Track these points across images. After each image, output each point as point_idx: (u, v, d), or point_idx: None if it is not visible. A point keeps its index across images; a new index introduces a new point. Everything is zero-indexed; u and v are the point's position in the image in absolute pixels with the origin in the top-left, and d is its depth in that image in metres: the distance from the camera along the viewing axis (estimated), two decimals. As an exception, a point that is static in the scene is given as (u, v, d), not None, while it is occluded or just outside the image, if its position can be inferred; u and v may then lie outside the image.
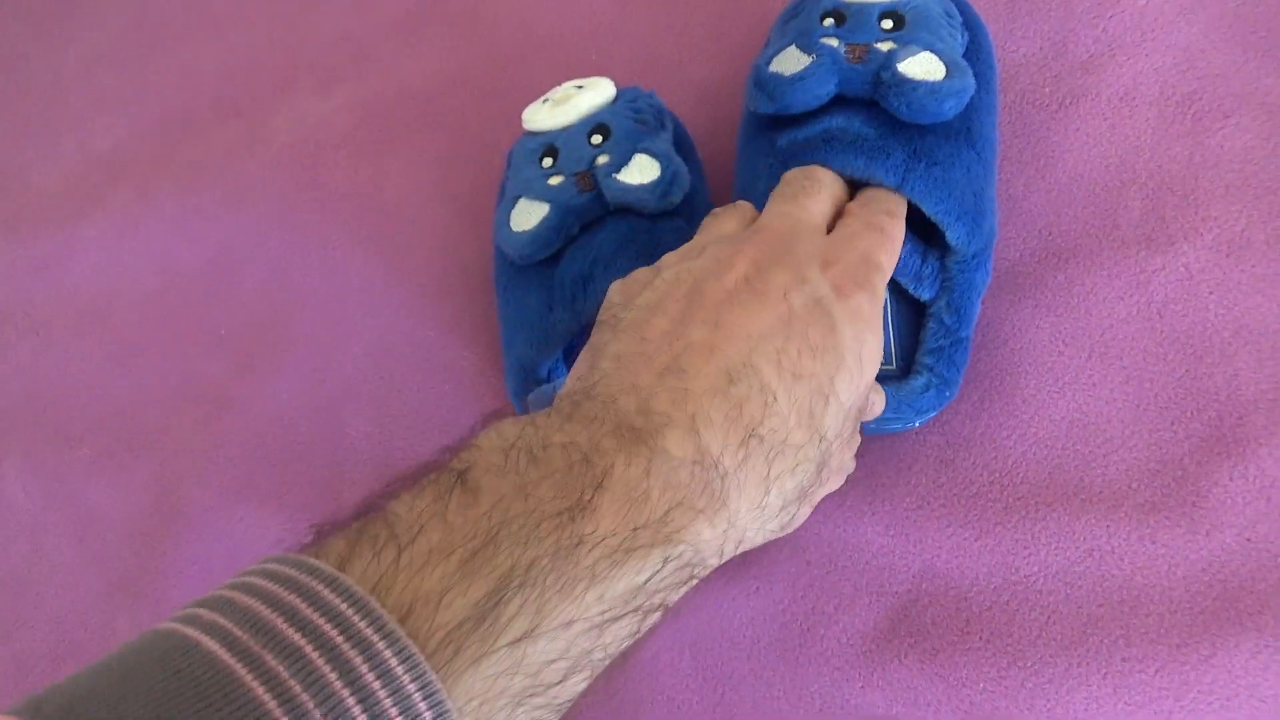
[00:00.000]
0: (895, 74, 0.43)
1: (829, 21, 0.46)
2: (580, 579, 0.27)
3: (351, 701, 0.23)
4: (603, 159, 0.47)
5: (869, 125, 0.44)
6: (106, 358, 0.63)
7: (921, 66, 0.43)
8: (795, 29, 0.47)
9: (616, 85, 0.52)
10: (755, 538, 0.34)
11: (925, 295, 0.46)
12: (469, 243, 0.57)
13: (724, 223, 0.42)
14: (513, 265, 0.50)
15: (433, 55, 0.63)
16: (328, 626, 0.24)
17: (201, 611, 0.24)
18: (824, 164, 0.43)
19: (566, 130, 0.49)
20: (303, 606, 0.24)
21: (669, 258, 0.39)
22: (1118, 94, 0.51)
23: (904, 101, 0.43)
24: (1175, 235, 0.48)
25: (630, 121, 0.49)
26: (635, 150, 0.47)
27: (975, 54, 0.48)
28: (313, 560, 0.25)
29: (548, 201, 0.47)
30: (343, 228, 0.60)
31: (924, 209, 0.44)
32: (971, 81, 0.44)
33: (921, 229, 0.45)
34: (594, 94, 0.50)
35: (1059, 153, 0.51)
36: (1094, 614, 0.44)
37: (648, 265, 0.39)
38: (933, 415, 0.47)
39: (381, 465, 0.55)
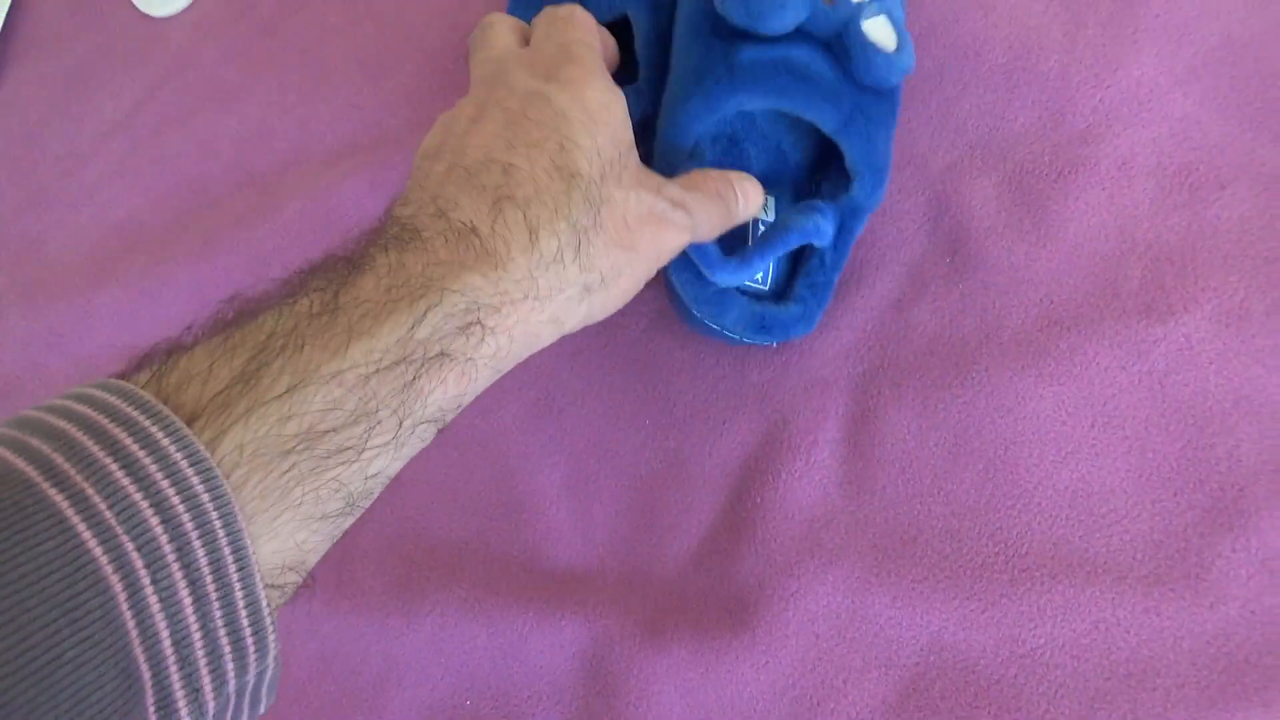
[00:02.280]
0: (859, 34, 0.46)
1: None
2: (339, 334, 0.30)
3: (117, 470, 0.25)
4: None
5: (828, 67, 0.47)
6: (123, 427, 0.63)
7: (878, 30, 0.47)
8: None
9: None
10: (562, 290, 0.36)
11: (822, 242, 0.48)
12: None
13: (491, 40, 0.44)
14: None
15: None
16: (97, 415, 0.26)
17: None
18: (779, 90, 0.46)
19: None
20: (74, 405, 0.27)
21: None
22: (1116, 164, 0.51)
23: (864, 64, 0.46)
24: (1175, 305, 0.48)
25: None
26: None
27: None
28: (107, 379, 0.29)
29: None
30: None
31: (850, 157, 0.48)
32: (914, 59, 0.48)
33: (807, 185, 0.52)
34: None
35: (1059, 222, 0.51)
36: (1101, 688, 0.44)
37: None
38: (796, 337, 0.51)
39: (400, 532, 0.56)
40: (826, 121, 0.47)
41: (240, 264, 0.64)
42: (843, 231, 0.49)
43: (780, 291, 0.52)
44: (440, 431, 0.34)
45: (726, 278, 0.47)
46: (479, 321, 0.33)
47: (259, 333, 0.30)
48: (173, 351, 0.29)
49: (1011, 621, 0.46)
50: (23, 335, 0.68)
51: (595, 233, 0.36)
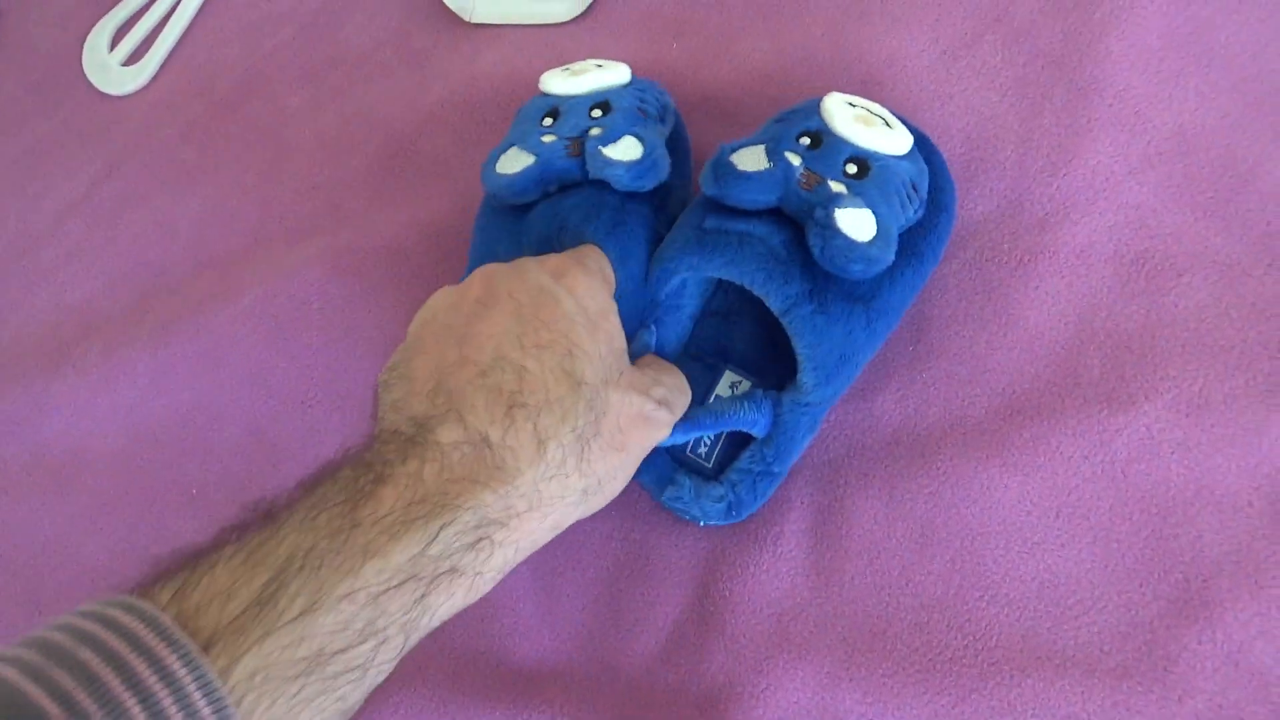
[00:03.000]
0: (829, 217, 0.45)
1: (804, 140, 0.48)
2: (355, 555, 0.30)
3: (132, 703, 0.25)
4: (596, 131, 0.50)
5: (786, 248, 0.46)
6: (77, 517, 0.62)
7: (855, 221, 0.45)
8: (772, 133, 0.49)
9: (633, 75, 0.56)
10: (564, 497, 0.37)
11: (759, 433, 0.48)
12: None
13: None
14: (493, 209, 0.53)
15: (404, 206, 0.64)
16: (116, 641, 0.27)
17: (6, 649, 0.27)
18: (733, 260, 0.46)
19: (573, 99, 0.53)
20: (99, 631, 0.27)
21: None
22: (1074, 252, 0.52)
23: (821, 244, 0.44)
24: (1135, 394, 0.49)
25: (633, 106, 0.52)
26: (627, 131, 0.50)
27: (927, 232, 0.49)
28: (120, 596, 0.29)
29: (535, 154, 0.50)
30: (320, 386, 0.61)
31: (795, 344, 0.46)
32: (889, 257, 0.45)
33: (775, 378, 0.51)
34: (609, 74, 0.54)
35: (1019, 310, 0.52)
36: (1072, 785, 0.44)
37: (611, 238, 0.47)
38: (716, 525, 0.51)
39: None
40: (772, 300, 0.46)
41: (200, 350, 0.63)
42: (783, 425, 0.48)
43: (719, 471, 0.52)
44: None
45: None
46: (488, 537, 0.34)
47: (279, 549, 0.30)
48: (198, 562, 0.30)
49: (983, 717, 0.46)
50: (-25, 422, 0.66)
51: (595, 439, 0.37)
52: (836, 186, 0.46)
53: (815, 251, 0.45)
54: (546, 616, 0.53)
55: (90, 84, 0.74)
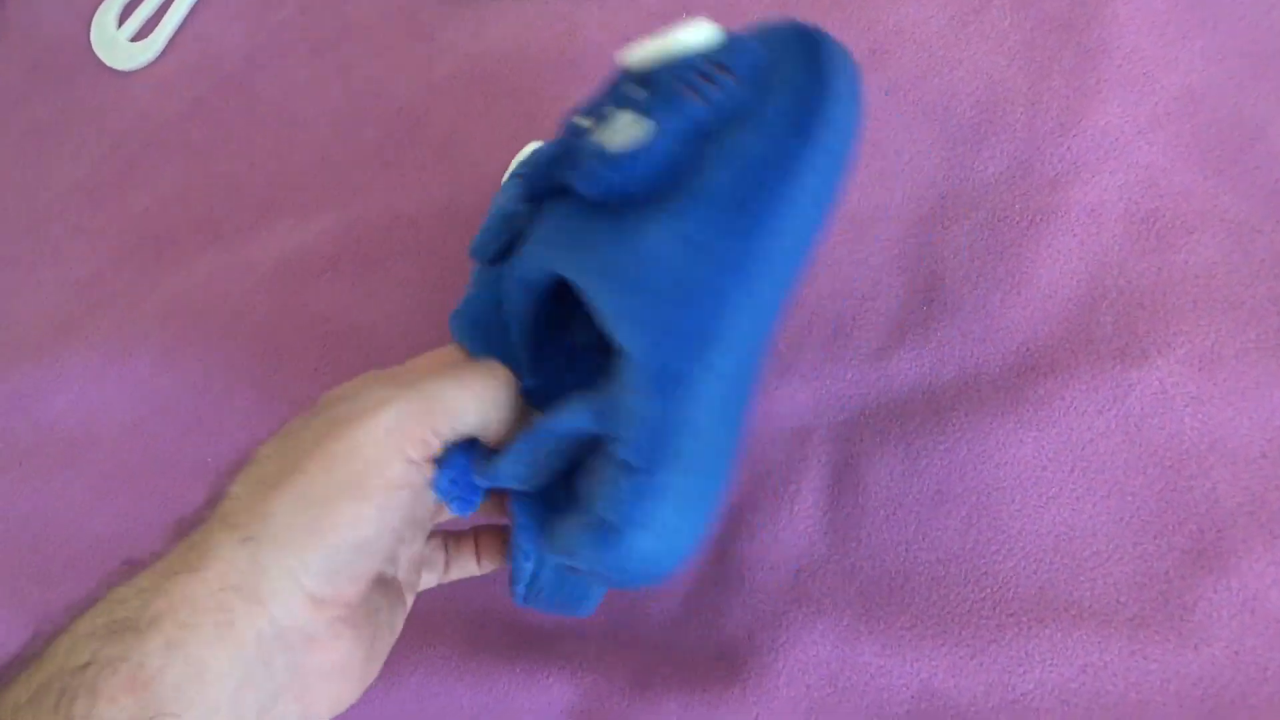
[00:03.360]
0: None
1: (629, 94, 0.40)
2: None
3: None
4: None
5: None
6: (89, 489, 0.62)
7: (617, 133, 0.38)
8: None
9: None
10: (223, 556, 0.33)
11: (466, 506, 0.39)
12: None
13: None
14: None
15: (414, 181, 0.64)
16: None
17: None
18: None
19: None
20: None
21: None
22: (1085, 211, 0.52)
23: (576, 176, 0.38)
24: (1149, 349, 0.49)
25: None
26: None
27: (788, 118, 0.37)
28: None
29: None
30: (329, 355, 0.61)
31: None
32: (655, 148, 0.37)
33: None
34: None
35: (1032, 268, 0.52)
36: (1092, 732, 0.44)
37: None
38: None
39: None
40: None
41: (210, 322, 0.63)
42: (633, 410, 0.35)
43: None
44: None
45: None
46: (122, 620, 0.30)
47: None
48: None
49: (1000, 667, 0.46)
50: (-16, 396, 0.66)
51: (239, 486, 0.35)
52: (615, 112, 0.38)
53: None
54: (564, 577, 0.53)
55: (98, 60, 0.73)
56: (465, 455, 0.38)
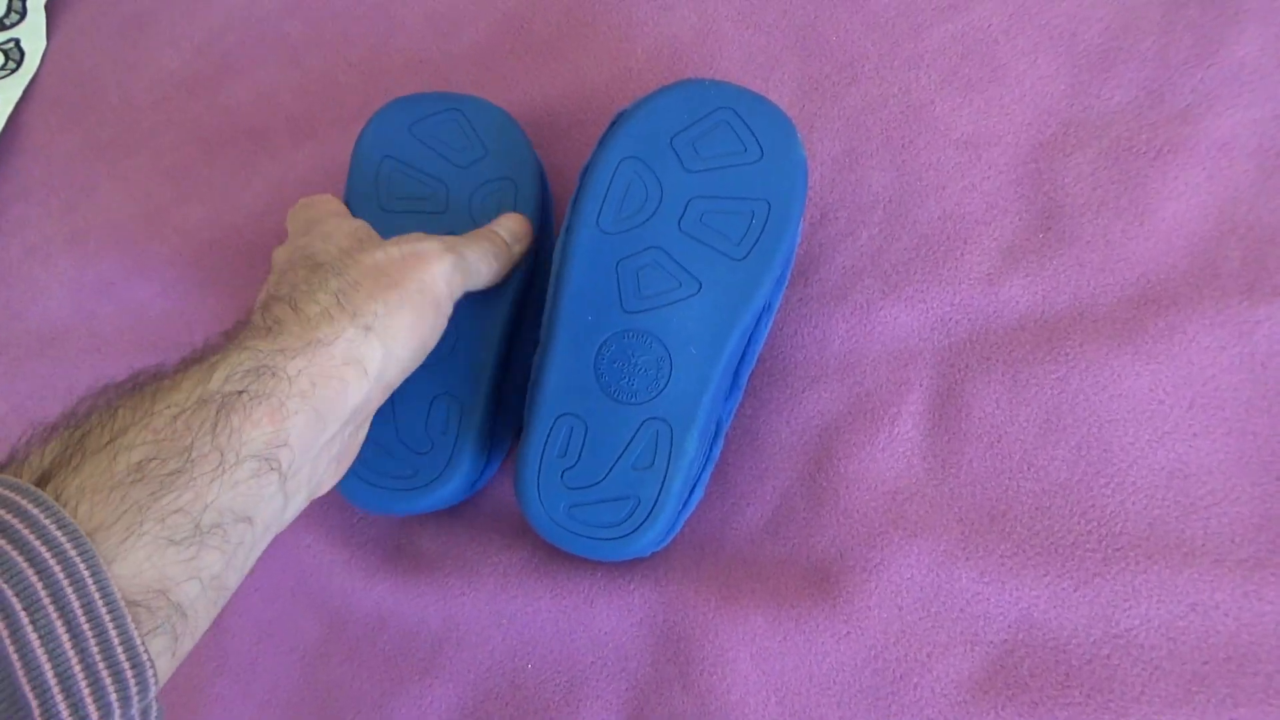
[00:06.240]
0: None
1: None
2: (145, 399, 0.35)
3: None
4: None
5: None
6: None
7: None
8: None
9: None
10: (341, 335, 0.40)
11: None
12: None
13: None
14: None
15: (515, 83, 0.63)
16: None
17: None
18: None
19: None
20: None
21: None
22: (1216, 144, 0.50)
23: None
24: (1278, 286, 0.47)
25: None
26: None
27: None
28: None
29: None
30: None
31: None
32: None
33: None
34: None
35: (1158, 200, 0.50)
36: (1200, 671, 0.43)
37: None
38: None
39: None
40: None
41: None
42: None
43: None
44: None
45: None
46: (268, 367, 0.37)
47: (89, 417, 0.35)
48: (49, 437, 0.35)
49: (1105, 601, 0.45)
50: (72, 282, 0.66)
51: (354, 288, 0.42)
52: None
53: None
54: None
55: (197, -46, 0.73)
56: None
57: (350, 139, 0.58)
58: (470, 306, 0.50)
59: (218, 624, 0.54)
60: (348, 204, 0.55)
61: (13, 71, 0.73)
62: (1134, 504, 0.46)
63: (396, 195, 0.55)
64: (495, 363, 0.52)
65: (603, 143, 0.50)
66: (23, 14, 0.75)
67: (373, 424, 0.47)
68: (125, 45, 0.73)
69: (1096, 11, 0.55)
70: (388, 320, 0.42)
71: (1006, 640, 0.45)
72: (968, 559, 0.47)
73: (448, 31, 0.66)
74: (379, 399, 0.43)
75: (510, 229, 0.52)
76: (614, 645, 0.50)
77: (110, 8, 0.75)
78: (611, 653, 0.50)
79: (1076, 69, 0.54)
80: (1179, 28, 0.53)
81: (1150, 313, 0.48)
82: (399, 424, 0.51)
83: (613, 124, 0.50)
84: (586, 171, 0.49)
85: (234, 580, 0.36)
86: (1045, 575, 0.46)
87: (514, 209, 0.54)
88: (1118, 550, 0.45)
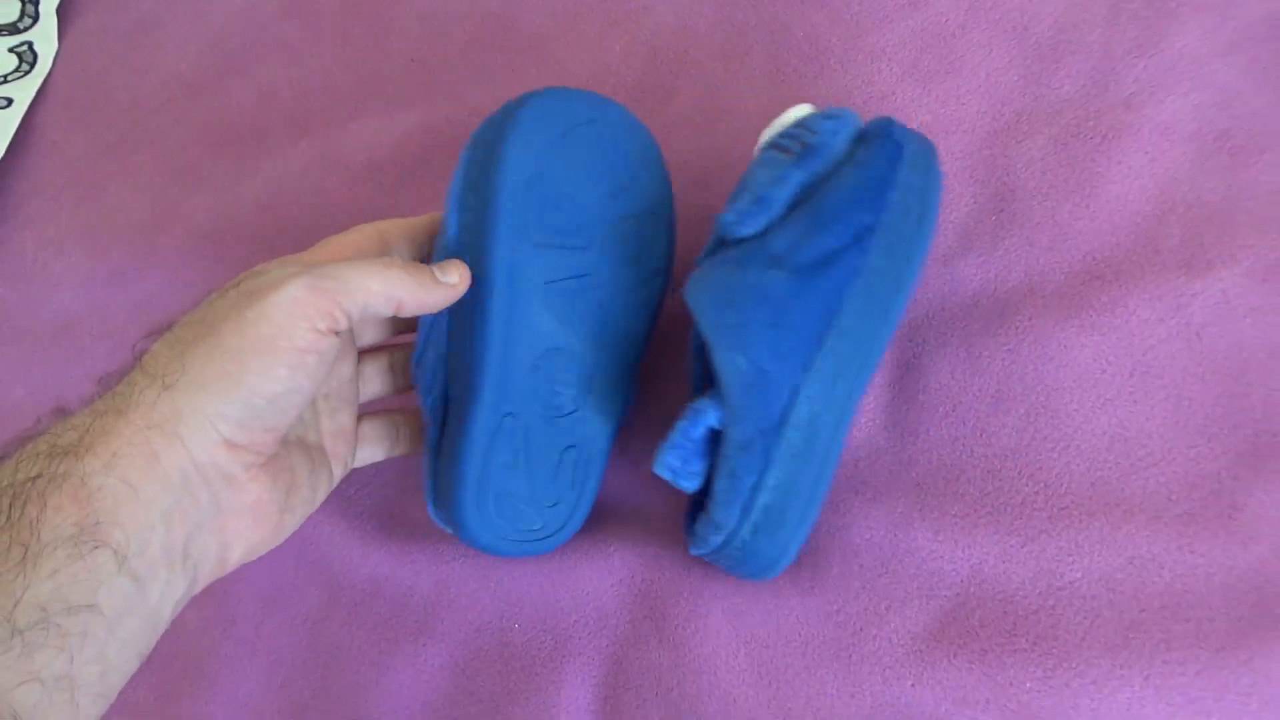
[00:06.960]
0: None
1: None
2: None
3: None
4: None
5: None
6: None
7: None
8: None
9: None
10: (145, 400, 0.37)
11: (688, 487, 0.47)
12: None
13: None
14: None
15: (501, 82, 0.67)
16: None
17: None
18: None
19: None
20: None
21: None
22: (1158, 129, 0.54)
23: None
24: (1213, 261, 0.50)
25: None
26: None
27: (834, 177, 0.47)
28: None
29: None
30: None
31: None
32: (754, 211, 0.47)
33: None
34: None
35: (1102, 182, 0.53)
36: (1136, 619, 0.46)
37: None
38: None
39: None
40: None
41: (306, 210, 0.66)
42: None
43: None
44: None
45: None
46: (60, 446, 0.35)
47: None
48: None
49: (1050, 556, 0.48)
50: (84, 273, 0.69)
51: (168, 347, 0.38)
52: None
53: None
54: (624, 455, 0.55)
55: (201, -40, 0.76)
56: (691, 439, 0.46)
57: (348, 137, 0.62)
58: (595, 354, 0.50)
59: (223, 592, 0.58)
60: (479, 230, 0.45)
61: (26, 73, 0.77)
62: (1078, 466, 0.49)
63: (549, 227, 0.47)
64: (621, 411, 0.52)
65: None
66: (36, 18, 0.79)
67: (507, 476, 0.46)
68: (132, 48, 0.77)
69: (1047, 7, 0.58)
70: (199, 373, 0.37)
71: (958, 594, 0.49)
72: (923, 520, 0.50)
73: (437, 32, 0.69)
74: (240, 455, 0.38)
75: (444, 268, 0.45)
76: (595, 604, 0.53)
77: (118, 12, 0.79)
78: (593, 611, 0.53)
79: (1028, 61, 0.57)
80: (1123, 20, 0.56)
81: (1095, 288, 0.52)
82: (533, 479, 0.49)
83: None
84: None
85: (93, 672, 0.33)
86: (995, 533, 0.49)
87: (651, 245, 0.51)
88: (1062, 509, 0.49)
